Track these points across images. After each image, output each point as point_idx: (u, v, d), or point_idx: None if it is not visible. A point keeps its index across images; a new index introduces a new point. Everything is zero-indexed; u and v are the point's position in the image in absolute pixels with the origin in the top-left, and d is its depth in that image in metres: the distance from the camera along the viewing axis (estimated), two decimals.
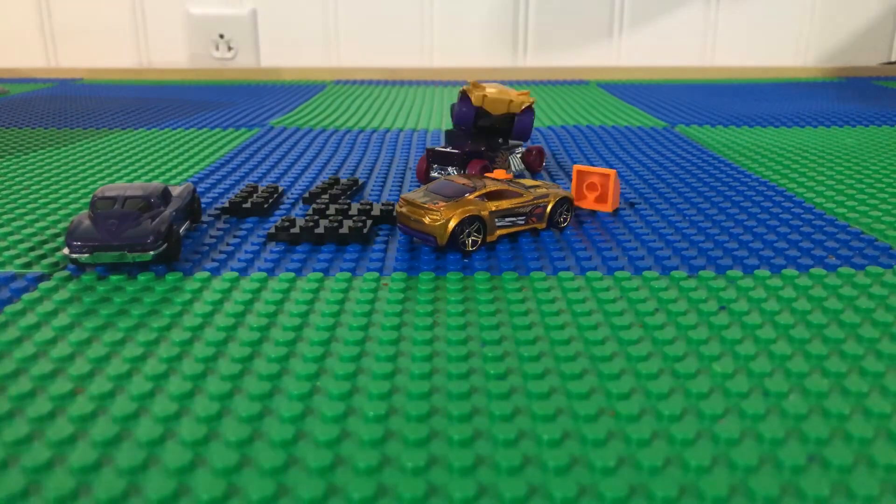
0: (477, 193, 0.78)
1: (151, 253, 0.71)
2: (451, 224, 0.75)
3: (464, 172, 1.03)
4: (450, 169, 1.04)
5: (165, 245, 0.72)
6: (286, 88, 2.35)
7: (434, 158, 1.06)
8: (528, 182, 0.91)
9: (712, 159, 1.26)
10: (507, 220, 0.81)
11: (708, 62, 2.67)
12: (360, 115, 1.78)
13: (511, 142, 1.12)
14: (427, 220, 0.75)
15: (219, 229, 0.88)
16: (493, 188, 0.80)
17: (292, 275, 0.72)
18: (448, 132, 1.10)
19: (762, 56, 2.67)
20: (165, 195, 0.79)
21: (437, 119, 1.73)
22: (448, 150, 1.05)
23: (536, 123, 1.66)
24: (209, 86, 2.41)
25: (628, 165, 1.22)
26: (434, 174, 1.06)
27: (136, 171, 1.19)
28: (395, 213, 0.91)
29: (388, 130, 1.57)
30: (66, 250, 0.71)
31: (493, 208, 0.79)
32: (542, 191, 0.86)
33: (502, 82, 2.49)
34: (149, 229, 0.72)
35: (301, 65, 2.65)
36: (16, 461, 0.43)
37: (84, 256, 0.70)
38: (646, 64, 2.65)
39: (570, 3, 2.60)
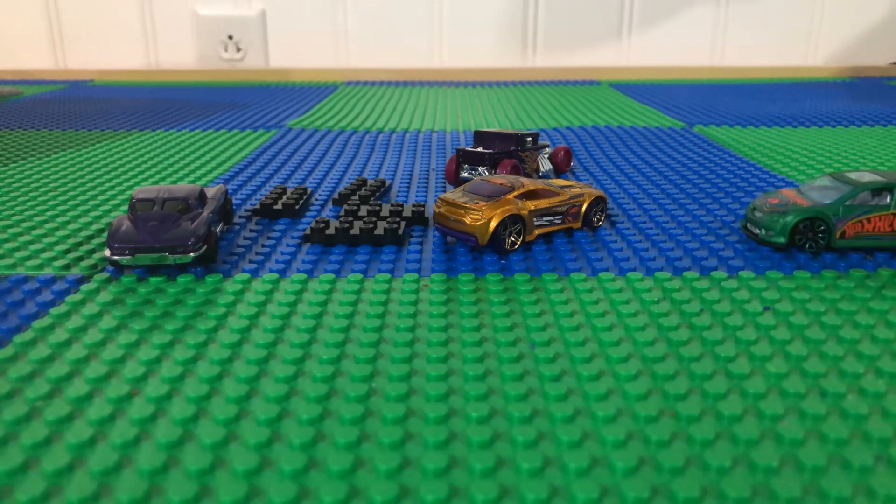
0: (516, 193, 0.78)
1: (192, 255, 0.71)
2: (493, 223, 0.75)
3: (495, 172, 1.03)
4: (480, 169, 1.04)
5: (205, 247, 0.72)
6: (298, 89, 2.35)
7: (464, 158, 1.06)
8: (560, 182, 0.90)
9: (736, 160, 1.26)
10: (544, 219, 0.81)
11: (717, 62, 2.67)
12: (376, 116, 1.78)
13: (539, 142, 1.12)
14: (468, 219, 0.75)
15: (252, 231, 0.87)
16: (530, 187, 0.80)
17: (332, 276, 0.72)
18: (476, 132, 1.09)
19: (771, 55, 2.67)
20: (202, 197, 0.79)
21: (453, 120, 1.73)
22: (478, 150, 1.04)
23: (554, 124, 1.65)
24: (219, 87, 2.41)
25: (653, 166, 1.22)
26: (464, 174, 1.06)
27: (160, 172, 1.19)
28: (430, 214, 0.91)
29: (405, 131, 1.57)
30: (107, 252, 0.71)
31: (532, 207, 0.79)
32: (577, 190, 0.86)
33: (513, 83, 2.49)
34: (189, 231, 0.71)
35: (310, 66, 2.64)
36: (82, 464, 0.43)
37: (125, 258, 0.70)
38: (655, 64, 2.65)
39: (579, 4, 2.60)
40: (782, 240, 0.77)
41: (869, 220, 0.76)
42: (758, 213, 0.80)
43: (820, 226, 0.77)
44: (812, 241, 0.77)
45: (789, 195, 0.82)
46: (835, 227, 0.76)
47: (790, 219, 0.77)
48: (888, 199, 0.77)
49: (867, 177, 0.80)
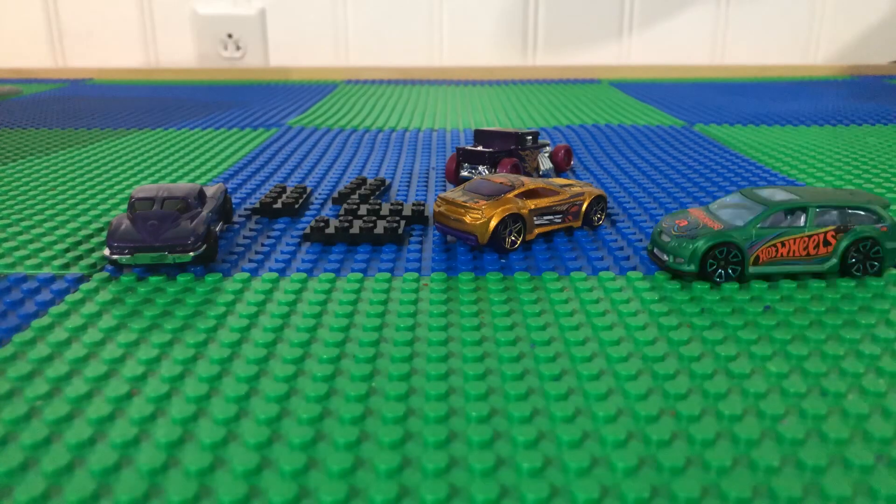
0: (516, 192, 0.78)
1: (192, 254, 0.70)
2: (493, 222, 0.74)
3: (495, 171, 1.03)
4: (480, 168, 1.04)
5: (205, 246, 0.72)
6: (297, 88, 2.35)
7: (464, 157, 1.05)
8: (560, 181, 0.90)
9: (737, 159, 1.26)
10: (545, 218, 0.81)
11: (718, 61, 2.67)
12: (376, 115, 1.78)
13: (539, 140, 1.12)
14: (468, 218, 0.75)
15: (251, 230, 0.87)
16: (531, 186, 0.80)
17: (332, 275, 0.72)
18: (476, 131, 1.09)
19: (772, 54, 2.67)
20: (201, 196, 0.79)
21: (453, 118, 1.73)
22: (478, 149, 1.04)
23: (554, 123, 1.65)
24: (219, 86, 2.41)
25: (653, 165, 1.22)
26: (464, 173, 1.06)
27: (160, 171, 1.19)
28: (431, 213, 0.90)
29: (405, 130, 1.57)
30: (106, 251, 0.71)
31: (533, 206, 0.79)
32: (577, 189, 0.86)
33: (513, 82, 2.48)
34: (189, 230, 0.71)
35: (310, 64, 2.64)
36: (82, 463, 0.43)
37: (125, 257, 0.70)
38: (656, 62, 2.65)
39: (579, 2, 2.59)
40: (693, 268, 0.68)
41: (783, 244, 0.68)
42: (664, 237, 0.71)
43: (731, 251, 0.68)
44: (724, 269, 0.68)
45: (698, 216, 0.73)
46: (747, 253, 0.68)
47: (701, 244, 0.68)
48: (802, 220, 0.69)
49: (779, 195, 0.72)
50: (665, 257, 0.70)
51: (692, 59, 2.67)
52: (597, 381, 0.52)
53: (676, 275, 0.70)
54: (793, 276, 0.71)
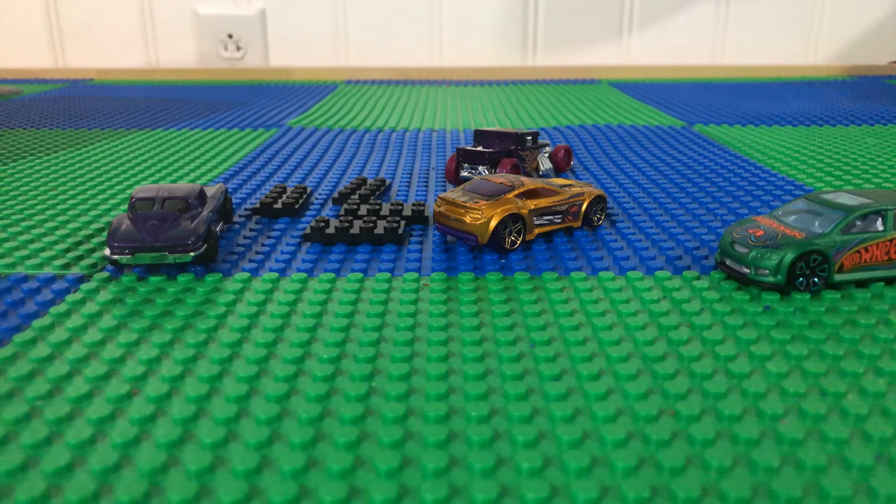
0: (516, 192, 0.78)
1: (192, 254, 0.70)
2: (493, 222, 0.74)
3: (495, 171, 1.03)
4: (480, 168, 1.04)
5: (205, 246, 0.72)
6: (298, 88, 2.35)
7: (464, 157, 1.06)
8: (560, 181, 0.90)
9: (736, 158, 1.26)
10: (544, 218, 0.81)
11: (718, 61, 2.67)
12: (376, 115, 1.78)
13: (539, 141, 1.12)
14: (468, 218, 0.75)
15: (252, 230, 0.87)
16: (530, 186, 0.80)
17: (332, 275, 0.72)
18: (476, 131, 1.09)
19: (771, 54, 2.67)
20: (202, 196, 0.79)
21: (453, 119, 1.73)
22: (478, 149, 1.04)
23: (554, 123, 1.65)
24: (219, 86, 2.41)
25: (653, 165, 1.22)
26: (464, 173, 1.06)
27: (160, 171, 1.19)
28: (431, 213, 0.91)
29: (405, 130, 1.57)
30: (106, 251, 0.71)
31: (532, 206, 0.79)
32: (577, 189, 0.86)
33: (513, 82, 2.48)
34: (189, 230, 0.71)
35: (310, 65, 2.64)
36: (82, 463, 0.43)
37: (125, 257, 0.70)
38: (656, 63, 2.65)
39: (579, 2, 2.59)
40: (780, 279, 0.65)
41: (867, 249, 0.67)
42: (739, 248, 0.68)
43: (816, 259, 0.66)
44: (811, 279, 0.66)
45: (771, 224, 0.70)
46: (833, 260, 0.66)
47: (789, 256, 0.65)
48: (879, 224, 0.68)
49: (849, 199, 0.70)
50: (743, 269, 0.67)
51: (692, 59, 2.67)
52: (597, 381, 0.52)
53: (759, 286, 0.67)
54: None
